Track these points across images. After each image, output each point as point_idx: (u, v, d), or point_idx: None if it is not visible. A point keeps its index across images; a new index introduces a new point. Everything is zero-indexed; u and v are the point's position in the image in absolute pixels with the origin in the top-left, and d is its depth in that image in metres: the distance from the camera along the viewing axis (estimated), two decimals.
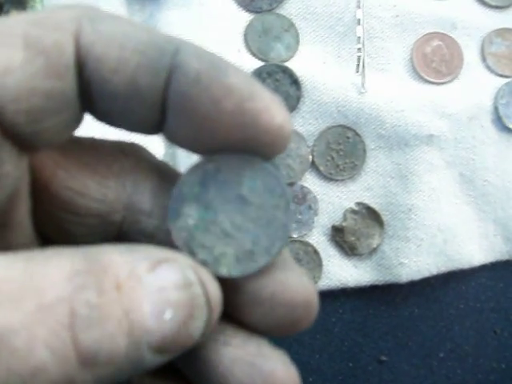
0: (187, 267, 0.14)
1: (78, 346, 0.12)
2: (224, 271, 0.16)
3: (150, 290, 0.13)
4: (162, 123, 0.16)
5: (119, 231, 0.18)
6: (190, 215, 0.16)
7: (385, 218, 0.35)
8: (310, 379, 0.35)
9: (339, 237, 0.34)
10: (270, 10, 0.35)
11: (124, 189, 0.17)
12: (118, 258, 0.14)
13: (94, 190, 0.17)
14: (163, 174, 0.18)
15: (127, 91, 0.15)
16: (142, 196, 0.17)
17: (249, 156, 0.16)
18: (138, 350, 0.13)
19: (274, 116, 0.15)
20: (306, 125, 0.34)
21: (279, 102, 0.15)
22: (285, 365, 0.16)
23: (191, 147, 0.16)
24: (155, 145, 0.32)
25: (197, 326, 0.14)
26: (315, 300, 0.16)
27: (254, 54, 0.34)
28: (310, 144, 0.34)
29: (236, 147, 0.16)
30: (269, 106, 0.15)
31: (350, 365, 0.35)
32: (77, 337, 0.12)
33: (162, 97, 0.15)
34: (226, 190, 0.16)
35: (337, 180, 0.35)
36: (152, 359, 0.14)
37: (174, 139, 0.16)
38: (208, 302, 0.14)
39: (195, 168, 0.16)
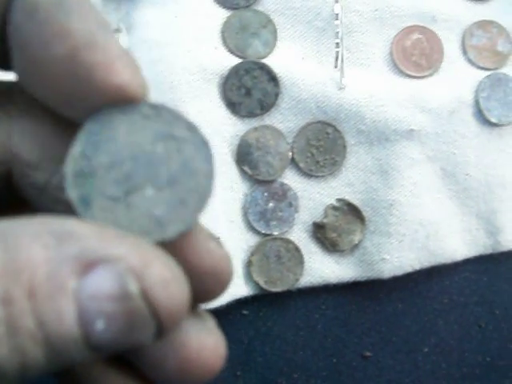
0: (127, 272, 0.12)
1: None
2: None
3: (76, 297, 0.11)
4: (6, 60, 0.14)
5: (8, 184, 0.15)
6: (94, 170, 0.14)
7: (366, 213, 0.35)
8: (295, 375, 0.35)
9: (320, 233, 0.34)
10: (247, 6, 0.35)
11: (9, 138, 0.15)
12: (38, 254, 0.11)
13: None
14: (59, 121, 0.15)
15: None
16: (29, 146, 0.15)
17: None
18: (65, 353, 0.12)
19: (114, 73, 0.12)
20: (285, 121, 0.34)
21: (130, 60, 0.13)
22: (208, 332, 0.15)
23: (38, 94, 0.14)
24: None
25: (141, 336, 0.12)
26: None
27: (231, 51, 0.34)
28: (290, 141, 0.34)
29: (70, 100, 0.13)
30: (110, 61, 0.12)
31: (334, 361, 0.35)
32: None
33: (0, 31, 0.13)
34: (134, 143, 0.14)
35: (317, 176, 0.35)
36: (91, 354, 0.12)
37: (23, 83, 0.14)
38: (155, 312, 0.12)
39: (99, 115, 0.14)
